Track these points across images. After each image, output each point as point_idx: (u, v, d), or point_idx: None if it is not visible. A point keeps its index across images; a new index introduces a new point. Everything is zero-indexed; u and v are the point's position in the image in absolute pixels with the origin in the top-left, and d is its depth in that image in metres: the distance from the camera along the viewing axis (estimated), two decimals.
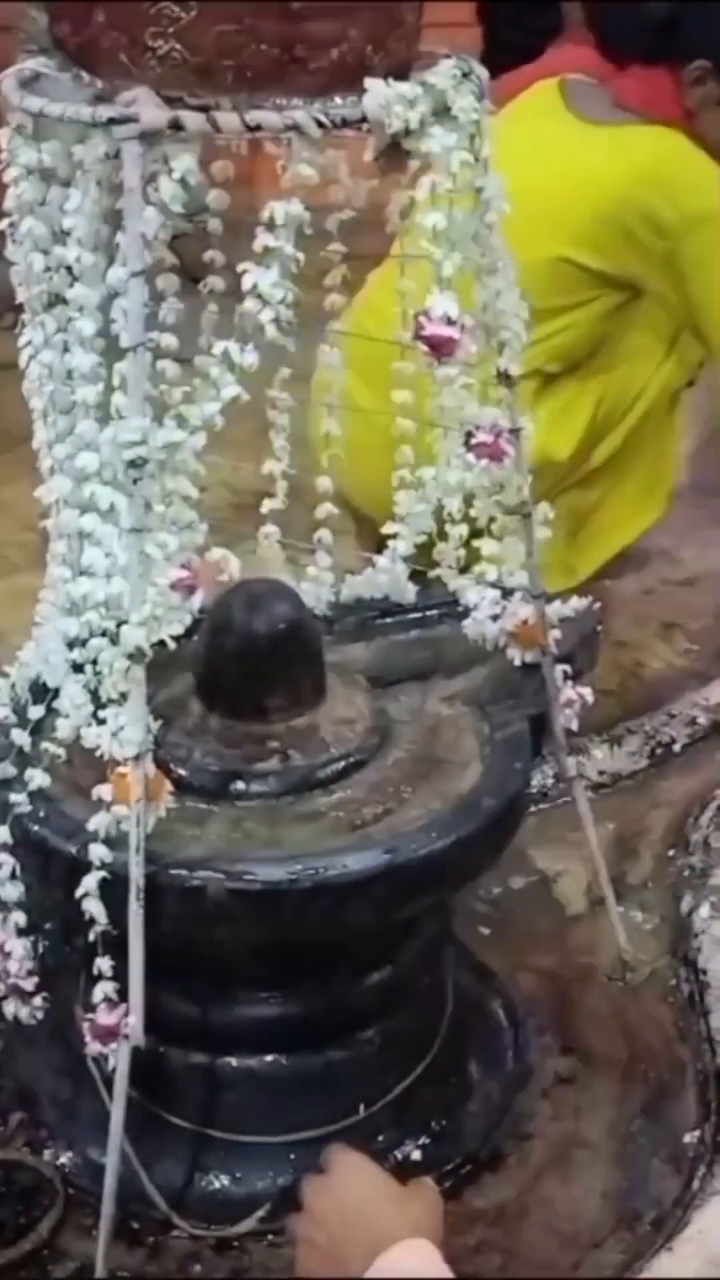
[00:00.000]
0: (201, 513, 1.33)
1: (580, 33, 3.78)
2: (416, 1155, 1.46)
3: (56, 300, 1.29)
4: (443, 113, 1.17)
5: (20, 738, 1.37)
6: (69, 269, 1.27)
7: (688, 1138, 1.49)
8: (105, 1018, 1.26)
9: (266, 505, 1.61)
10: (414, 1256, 1.12)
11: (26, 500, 1.42)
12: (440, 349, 1.24)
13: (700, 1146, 1.48)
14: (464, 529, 1.53)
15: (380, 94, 1.13)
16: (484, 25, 3.67)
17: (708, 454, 2.94)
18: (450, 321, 1.24)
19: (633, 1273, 1.32)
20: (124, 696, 1.23)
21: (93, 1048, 1.28)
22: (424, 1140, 1.47)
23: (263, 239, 1.15)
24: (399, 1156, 1.45)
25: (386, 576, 1.62)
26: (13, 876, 1.35)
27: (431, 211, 1.20)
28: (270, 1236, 1.40)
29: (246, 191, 1.33)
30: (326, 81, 1.14)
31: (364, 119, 1.14)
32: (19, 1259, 1.39)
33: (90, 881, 1.25)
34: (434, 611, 1.62)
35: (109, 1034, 1.27)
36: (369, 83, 1.14)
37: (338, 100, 1.14)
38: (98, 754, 1.27)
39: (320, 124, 1.12)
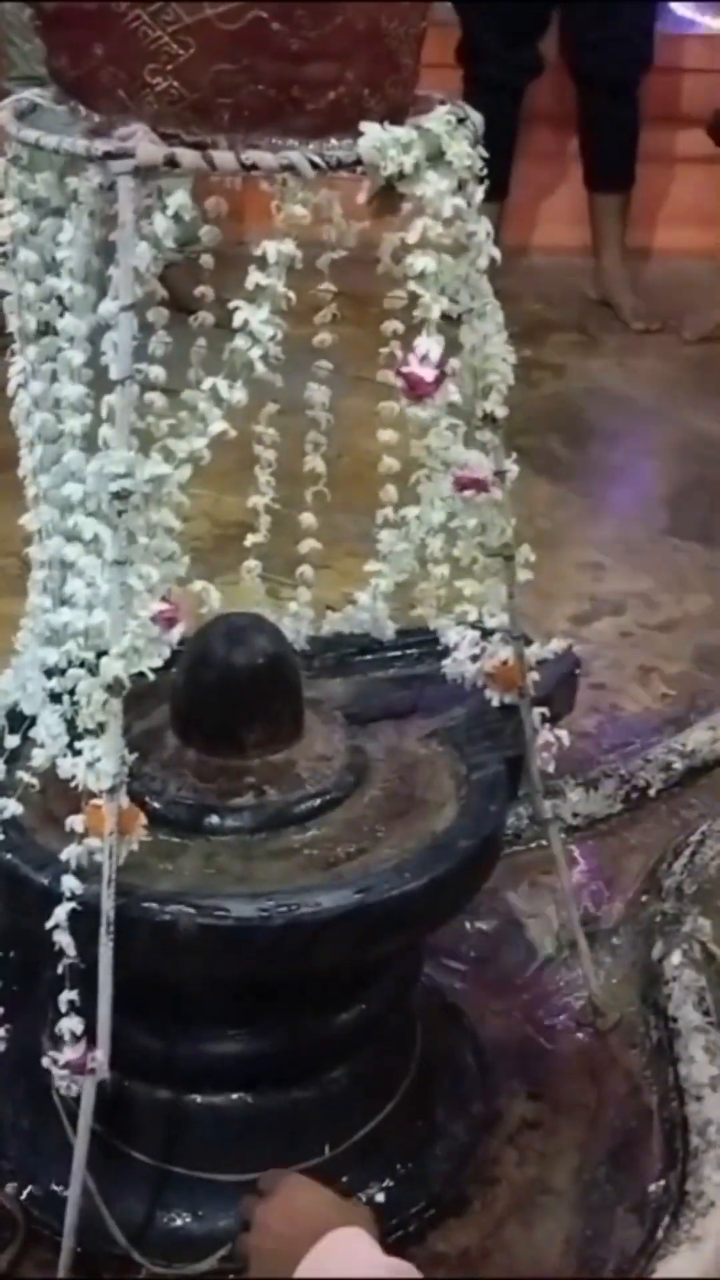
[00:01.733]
0: (183, 543, 1.34)
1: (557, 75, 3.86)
2: (381, 1198, 1.45)
3: (47, 330, 1.30)
4: (437, 157, 1.18)
5: None
6: (60, 299, 1.28)
7: (653, 1187, 1.49)
8: (71, 1052, 1.26)
9: (249, 539, 1.61)
10: (352, 1238, 1.14)
11: (7, 526, 1.42)
12: (416, 389, 1.25)
13: (665, 1196, 1.47)
14: (446, 569, 1.53)
15: (376, 137, 1.14)
16: (463, 65, 3.70)
17: (688, 501, 2.97)
18: (432, 363, 1.24)
19: None
20: (101, 727, 1.23)
21: (58, 1082, 1.27)
22: (389, 1183, 1.46)
23: (254, 277, 1.15)
24: (363, 1199, 1.44)
25: (367, 613, 1.62)
26: None
27: (421, 255, 1.20)
28: (231, 1276, 1.39)
29: (236, 225, 1.34)
30: (323, 123, 1.15)
31: (359, 161, 1.14)
32: None
33: (61, 913, 1.24)
34: (413, 650, 1.62)
35: (75, 1068, 1.26)
36: (365, 126, 1.14)
37: (333, 142, 1.15)
38: (72, 784, 1.26)
39: (315, 165, 1.12)
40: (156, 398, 1.35)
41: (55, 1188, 1.40)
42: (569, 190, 4.08)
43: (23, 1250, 1.41)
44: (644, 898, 1.88)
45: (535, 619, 1.55)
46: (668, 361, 3.66)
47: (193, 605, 1.41)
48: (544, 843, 1.69)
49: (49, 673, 1.36)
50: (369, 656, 1.63)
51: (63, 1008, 1.25)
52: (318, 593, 1.61)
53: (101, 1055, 1.24)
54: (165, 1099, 1.42)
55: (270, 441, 1.58)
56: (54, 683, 1.35)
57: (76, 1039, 1.25)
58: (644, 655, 2.42)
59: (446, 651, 1.56)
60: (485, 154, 1.22)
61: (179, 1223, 1.42)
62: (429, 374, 1.19)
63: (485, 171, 1.23)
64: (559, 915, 1.80)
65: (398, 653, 1.63)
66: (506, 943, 1.82)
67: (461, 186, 1.20)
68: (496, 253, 1.26)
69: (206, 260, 1.44)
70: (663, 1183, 1.49)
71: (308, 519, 1.57)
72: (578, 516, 2.90)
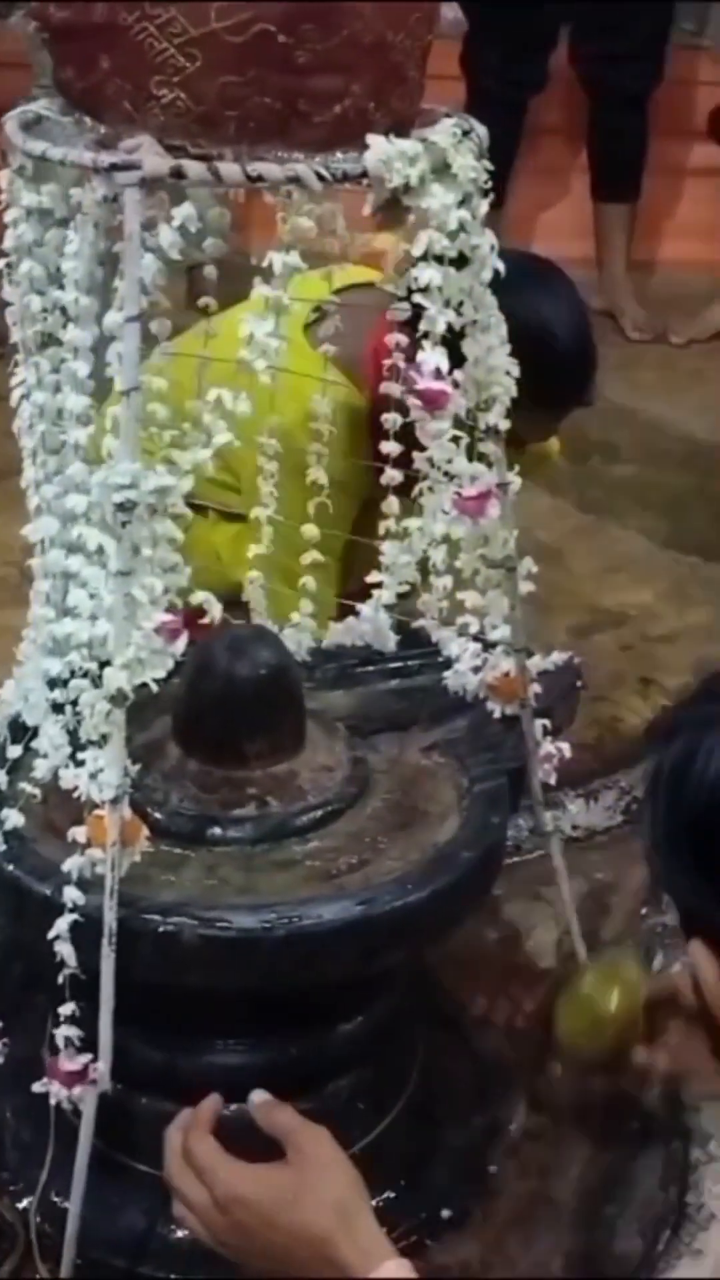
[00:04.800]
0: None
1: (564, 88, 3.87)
2: (381, 1209, 1.44)
3: (50, 341, 1.30)
4: (442, 170, 1.19)
5: None
6: (63, 310, 1.28)
7: (654, 1199, 1.48)
8: (71, 1063, 1.26)
9: (252, 550, 1.61)
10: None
11: (8, 535, 1.42)
12: (434, 403, 1.25)
13: (666, 1208, 1.47)
14: (448, 580, 1.53)
15: (382, 150, 1.14)
16: (467, 77, 3.71)
17: (687, 510, 2.97)
18: (440, 375, 1.25)
19: None
20: (104, 738, 1.23)
21: (58, 1093, 1.27)
22: (389, 1194, 1.46)
23: (260, 289, 1.15)
24: None
25: (369, 625, 1.62)
26: None
27: (426, 268, 1.21)
28: None
29: (239, 235, 1.34)
30: (328, 135, 1.15)
31: (364, 174, 1.15)
32: None
33: (62, 924, 1.24)
34: (415, 662, 1.62)
35: (75, 1079, 1.26)
36: (371, 138, 1.15)
37: (339, 154, 1.15)
38: (75, 795, 1.26)
39: (321, 177, 1.13)
40: (159, 409, 1.35)
41: (56, 1199, 1.39)
42: (572, 202, 4.10)
43: (23, 1261, 1.41)
44: (644, 909, 1.88)
45: (536, 631, 1.55)
46: (668, 373, 3.67)
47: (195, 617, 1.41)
48: (544, 854, 1.68)
49: (52, 683, 1.36)
50: (371, 668, 1.63)
51: (63, 1019, 1.25)
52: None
53: (103, 1066, 1.24)
54: (167, 1110, 1.41)
55: (273, 453, 1.59)
56: (57, 693, 1.35)
57: (77, 1050, 1.25)
58: (644, 667, 2.42)
59: (448, 663, 1.56)
60: (490, 166, 1.22)
61: (180, 1234, 1.42)
62: (445, 387, 1.20)
63: (489, 183, 1.24)
64: (559, 926, 1.80)
65: (399, 664, 1.62)
66: (507, 954, 1.82)
67: (466, 199, 1.21)
68: (500, 265, 1.26)
69: (210, 272, 1.45)
70: (664, 1195, 1.48)
71: (310, 530, 1.57)
72: (578, 529, 2.90)
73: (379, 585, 1.60)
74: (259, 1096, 1.26)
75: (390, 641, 1.63)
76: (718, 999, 1.01)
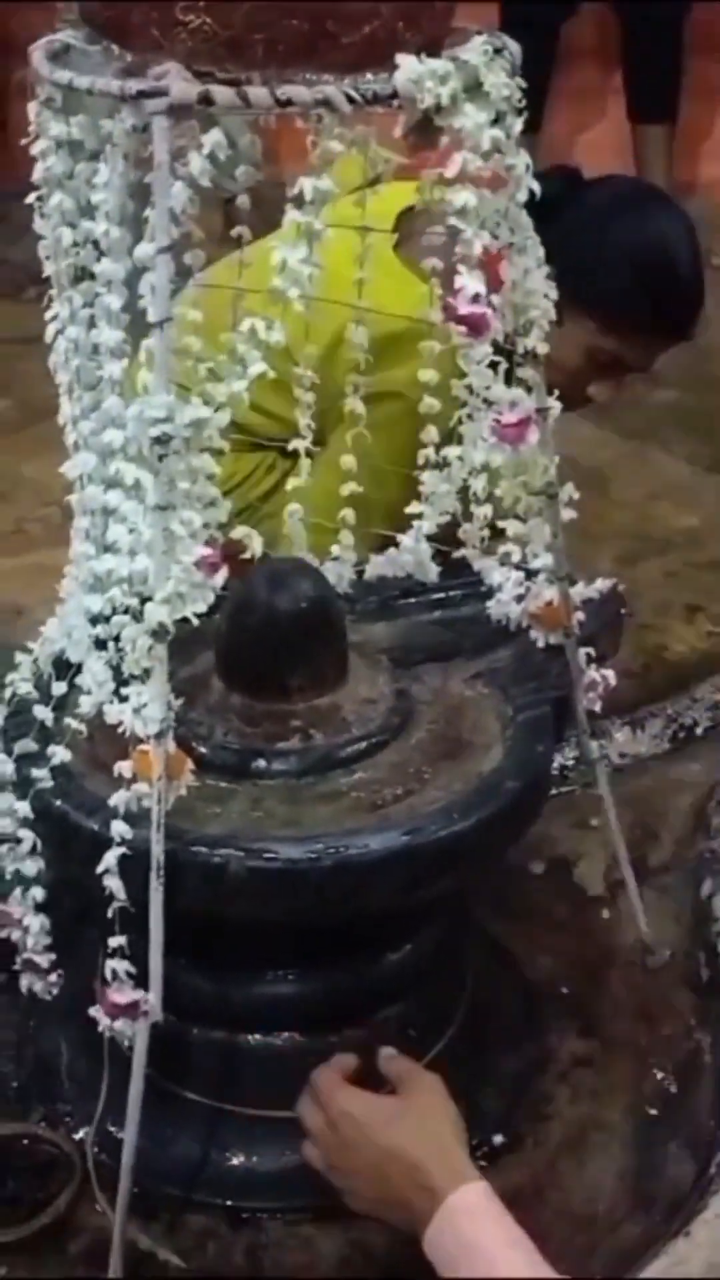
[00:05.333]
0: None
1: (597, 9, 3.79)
2: None
3: (83, 275, 1.29)
4: (474, 89, 1.16)
5: (43, 713, 1.37)
6: (95, 244, 1.27)
7: (705, 1122, 1.49)
8: (123, 994, 1.27)
9: (291, 482, 1.60)
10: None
11: (48, 476, 1.42)
12: (478, 328, 1.24)
13: (718, 1130, 1.47)
14: (489, 509, 1.52)
15: (412, 70, 1.12)
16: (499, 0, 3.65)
17: None
18: (478, 300, 1.23)
19: (650, 1256, 1.32)
20: (146, 673, 1.23)
21: (110, 1024, 1.28)
22: None
23: (292, 215, 1.14)
24: None
25: (410, 556, 1.61)
26: (33, 852, 1.36)
27: (462, 189, 1.19)
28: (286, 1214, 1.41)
29: (269, 166, 1.32)
30: (358, 57, 1.13)
31: (395, 95, 1.12)
32: (36, 1233, 1.39)
33: (111, 858, 1.25)
34: (457, 592, 1.61)
35: (127, 1010, 1.27)
36: (401, 58, 1.12)
37: (369, 76, 1.13)
38: (119, 731, 1.27)
39: (351, 99, 1.11)
40: (193, 341, 1.34)
41: (111, 1129, 1.41)
42: (609, 125, 4.04)
43: (81, 1191, 1.43)
44: (692, 836, 1.88)
45: (580, 560, 1.54)
46: (711, 295, 3.61)
47: (235, 551, 1.41)
48: (588, 783, 1.68)
49: (94, 620, 1.36)
50: (413, 599, 1.62)
51: (113, 952, 1.26)
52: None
53: (154, 997, 1.25)
54: (218, 1040, 1.43)
55: (308, 384, 1.57)
56: (99, 629, 1.35)
57: (129, 982, 1.26)
58: (690, 594, 2.41)
59: (490, 593, 1.55)
60: (524, 85, 1.20)
61: (234, 1161, 1.44)
62: (485, 310, 1.18)
63: (524, 104, 1.22)
64: (606, 855, 1.80)
65: (442, 595, 1.62)
66: (554, 883, 1.82)
67: (499, 118, 1.18)
68: (536, 186, 1.24)
69: (242, 201, 1.43)
70: (716, 1118, 1.49)
71: (348, 461, 1.56)
72: (621, 455, 2.87)
73: (419, 516, 1.58)
74: (387, 1051, 1.36)
75: (432, 572, 1.62)
76: None
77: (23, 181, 1.31)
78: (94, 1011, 1.28)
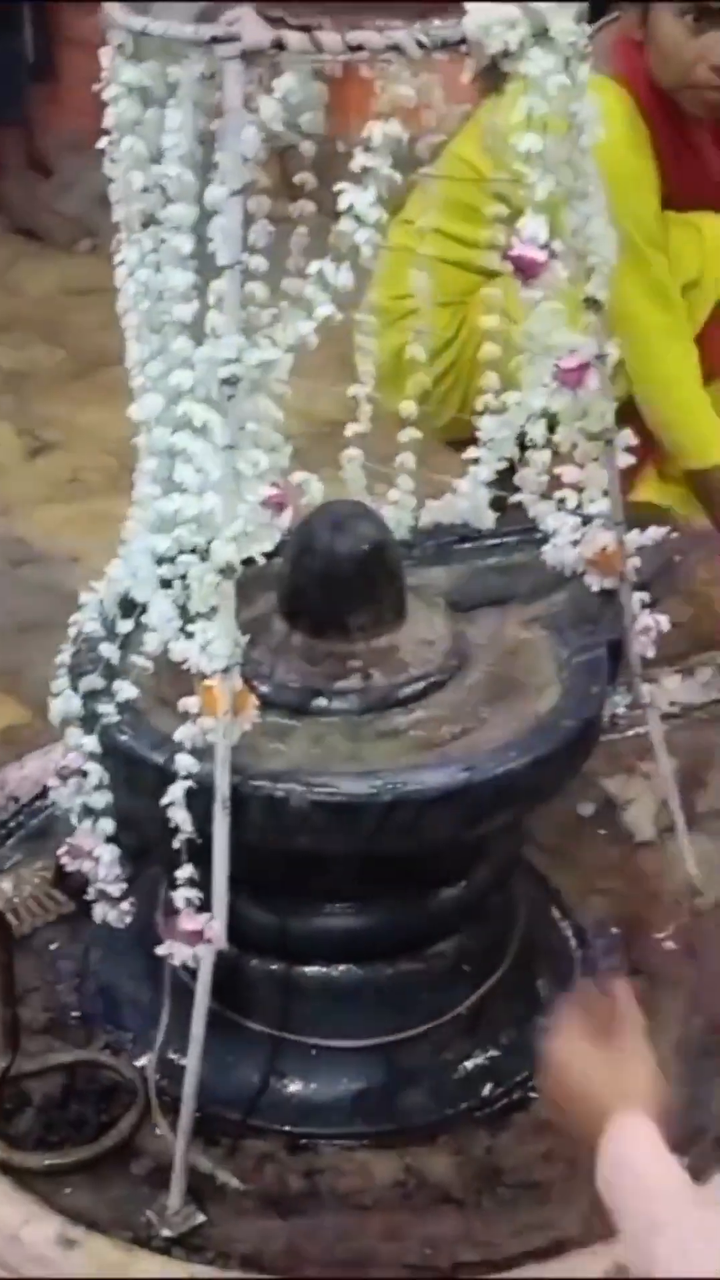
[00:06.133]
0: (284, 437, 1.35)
1: None
2: (486, 1065, 1.49)
3: (152, 220, 1.31)
4: (541, 35, 1.18)
5: (109, 651, 1.40)
6: (163, 189, 1.29)
7: None
8: (188, 923, 1.30)
9: (350, 429, 1.62)
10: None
11: (105, 424, 1.45)
12: (528, 271, 1.25)
13: None
14: (547, 455, 1.54)
15: (481, 15, 1.14)
16: None
17: None
18: (541, 245, 1.25)
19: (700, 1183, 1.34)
20: (213, 611, 1.26)
21: (176, 951, 1.32)
22: (493, 1052, 1.51)
23: (361, 159, 1.16)
24: (469, 1066, 1.49)
25: (467, 502, 1.63)
26: (101, 785, 1.39)
27: (527, 134, 1.21)
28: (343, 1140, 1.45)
29: (333, 120, 1.34)
30: (427, 3, 1.15)
31: (463, 40, 1.14)
32: (100, 1155, 1.43)
33: (176, 790, 1.28)
34: (513, 538, 1.63)
35: (192, 938, 1.30)
36: (469, 5, 1.14)
37: (437, 22, 1.15)
38: (184, 668, 1.30)
39: (421, 44, 1.13)
40: (257, 288, 1.36)
41: (172, 1056, 1.45)
42: None
43: (143, 1116, 1.47)
44: None
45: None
46: None
47: (297, 496, 1.43)
48: (641, 730, 1.70)
49: (159, 560, 1.39)
50: (469, 544, 1.65)
51: (181, 881, 1.29)
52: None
53: (219, 925, 1.29)
54: (278, 970, 1.47)
55: (370, 330, 1.59)
56: (164, 569, 1.38)
57: (194, 911, 1.29)
58: None
59: (546, 538, 1.57)
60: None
61: (292, 1089, 1.47)
62: (540, 255, 1.20)
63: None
64: (655, 800, 1.82)
65: (498, 540, 1.64)
66: (604, 826, 1.84)
67: (566, 64, 1.20)
68: (601, 131, 1.26)
69: (307, 147, 1.44)
70: None
71: (408, 407, 1.58)
72: None
73: (476, 461, 1.60)
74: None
75: (489, 519, 1.64)
76: None
77: (74, 132, 1.34)
78: (162, 941, 1.31)
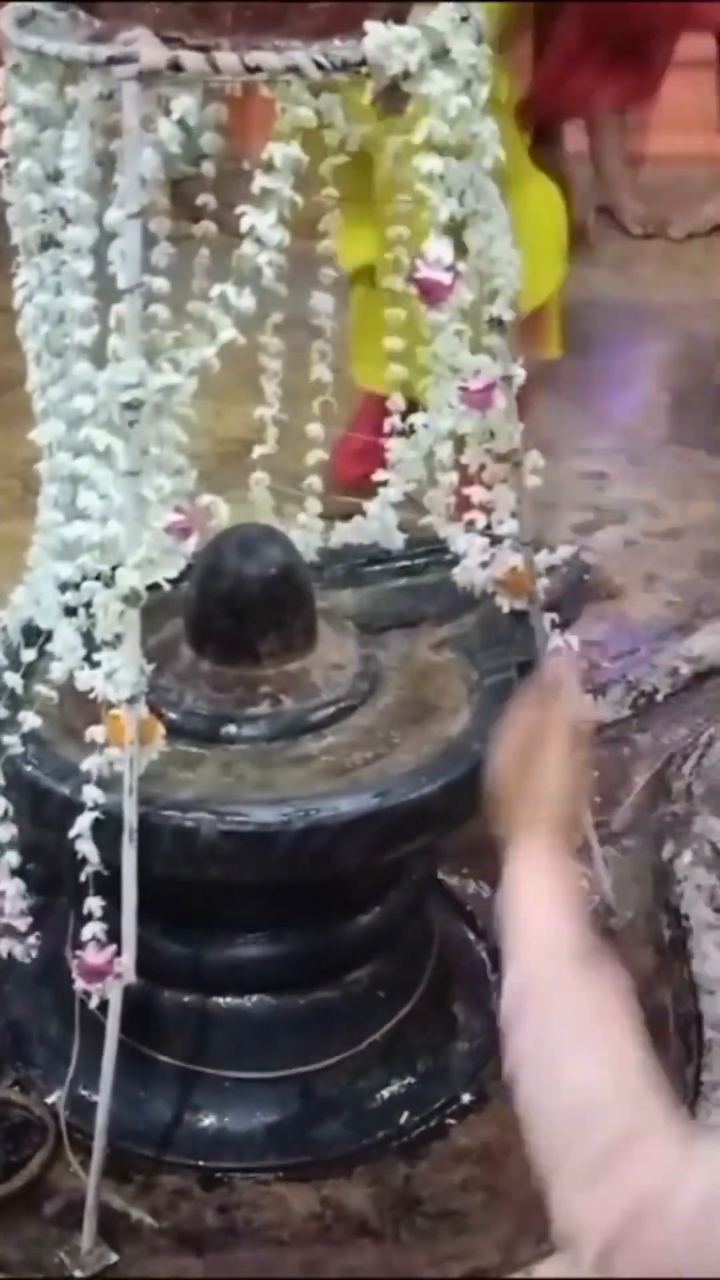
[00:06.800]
0: (188, 459, 1.33)
1: None
2: (403, 1093, 1.48)
3: (51, 242, 1.29)
4: (442, 56, 1.17)
5: (12, 680, 1.38)
6: (62, 211, 1.27)
7: (669, 1078, 1.51)
8: (95, 957, 1.28)
9: (257, 451, 1.61)
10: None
11: (8, 447, 1.41)
12: (432, 294, 1.25)
13: (683, 1089, 1.50)
14: (454, 476, 1.53)
15: (380, 37, 1.13)
16: None
17: (689, 409, 2.96)
18: (446, 267, 1.24)
19: None
20: (118, 639, 1.24)
21: (83, 986, 1.29)
22: (410, 1080, 1.49)
23: (261, 181, 1.15)
24: (385, 1095, 1.47)
25: (376, 523, 1.62)
26: (5, 818, 1.36)
27: (428, 156, 1.20)
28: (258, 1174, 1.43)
29: (237, 142, 1.33)
30: (326, 24, 1.15)
31: (363, 61, 1.13)
32: (10, 1195, 1.41)
33: (83, 822, 1.26)
34: (422, 559, 1.63)
35: (99, 973, 1.28)
36: (369, 25, 1.13)
37: (337, 43, 1.14)
38: (90, 697, 1.28)
39: (320, 66, 1.11)
40: (160, 310, 1.34)
41: (84, 1092, 1.42)
42: None
43: (54, 1153, 1.44)
44: (653, 800, 1.90)
45: (539, 530, 1.55)
46: (667, 268, 3.63)
47: (203, 519, 1.41)
48: None
49: (63, 587, 1.37)
50: (379, 566, 1.63)
51: (87, 915, 1.27)
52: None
53: (127, 959, 1.26)
54: (190, 1003, 1.45)
55: (275, 351, 1.58)
56: (68, 596, 1.36)
57: (101, 945, 1.27)
58: (649, 563, 2.43)
59: (456, 560, 1.57)
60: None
61: (206, 1122, 1.45)
62: (445, 278, 1.19)
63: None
64: None
65: (407, 562, 1.63)
66: None
67: (466, 85, 1.19)
68: (501, 153, 1.25)
69: (208, 169, 1.43)
70: (680, 1076, 1.51)
71: (314, 430, 1.57)
72: (580, 427, 2.88)
73: (385, 483, 1.59)
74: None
75: (398, 539, 1.63)
76: None
77: None
78: (71, 974, 1.29)
